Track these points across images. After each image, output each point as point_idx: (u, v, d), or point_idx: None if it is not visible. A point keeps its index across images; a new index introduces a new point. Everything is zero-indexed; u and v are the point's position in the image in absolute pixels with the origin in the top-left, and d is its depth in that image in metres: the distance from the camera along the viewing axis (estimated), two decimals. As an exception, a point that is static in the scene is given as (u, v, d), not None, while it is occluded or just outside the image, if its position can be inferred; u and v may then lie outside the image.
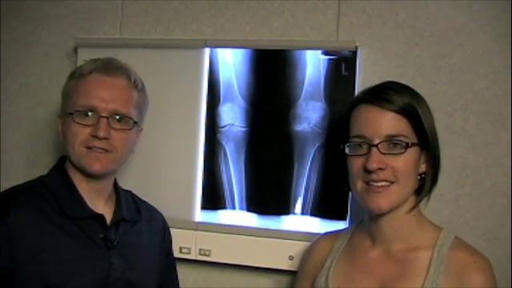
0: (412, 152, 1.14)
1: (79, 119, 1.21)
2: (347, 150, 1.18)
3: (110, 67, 1.25)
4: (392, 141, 1.13)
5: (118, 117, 1.23)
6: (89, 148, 1.21)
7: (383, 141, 1.13)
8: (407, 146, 1.13)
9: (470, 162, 1.40)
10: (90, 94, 1.21)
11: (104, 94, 1.22)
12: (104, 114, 1.21)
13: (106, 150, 1.22)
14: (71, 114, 1.21)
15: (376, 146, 1.12)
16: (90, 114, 1.21)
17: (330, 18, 1.50)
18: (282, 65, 1.50)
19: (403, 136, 1.13)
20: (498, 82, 1.38)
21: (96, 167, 1.21)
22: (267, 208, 1.52)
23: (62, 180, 1.24)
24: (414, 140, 1.14)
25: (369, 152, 1.13)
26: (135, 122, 1.27)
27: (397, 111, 1.13)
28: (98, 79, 1.23)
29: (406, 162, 1.13)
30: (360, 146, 1.16)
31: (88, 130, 1.20)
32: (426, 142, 1.16)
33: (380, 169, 1.12)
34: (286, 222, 1.50)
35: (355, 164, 1.16)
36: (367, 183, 1.14)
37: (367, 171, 1.13)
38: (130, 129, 1.25)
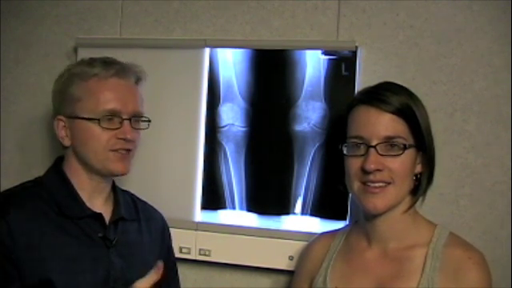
0: (409, 153, 1.14)
1: (106, 124, 1.22)
2: (345, 151, 1.19)
3: (123, 70, 1.26)
4: (390, 142, 1.13)
5: (136, 117, 1.27)
6: (113, 150, 1.23)
7: (381, 142, 1.13)
8: (405, 147, 1.13)
9: (470, 162, 1.40)
10: (111, 98, 1.22)
11: (122, 97, 1.24)
12: (126, 117, 1.24)
13: (129, 150, 1.25)
14: (96, 119, 1.21)
15: (374, 147, 1.13)
16: (114, 118, 1.23)
17: (330, 17, 1.50)
18: (282, 65, 1.50)
19: (401, 137, 1.14)
20: (498, 82, 1.38)
21: (122, 169, 1.25)
22: (267, 208, 1.52)
23: (59, 180, 1.24)
24: (411, 141, 1.15)
25: (367, 153, 1.14)
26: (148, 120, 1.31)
27: (394, 112, 1.14)
28: (114, 82, 1.24)
29: (403, 164, 1.14)
30: (358, 146, 1.16)
31: (112, 134, 1.22)
32: (423, 143, 1.16)
33: (377, 170, 1.13)
34: (285, 221, 1.50)
35: (353, 164, 1.16)
36: (364, 183, 1.15)
37: (365, 172, 1.14)
38: (146, 128, 1.31)
